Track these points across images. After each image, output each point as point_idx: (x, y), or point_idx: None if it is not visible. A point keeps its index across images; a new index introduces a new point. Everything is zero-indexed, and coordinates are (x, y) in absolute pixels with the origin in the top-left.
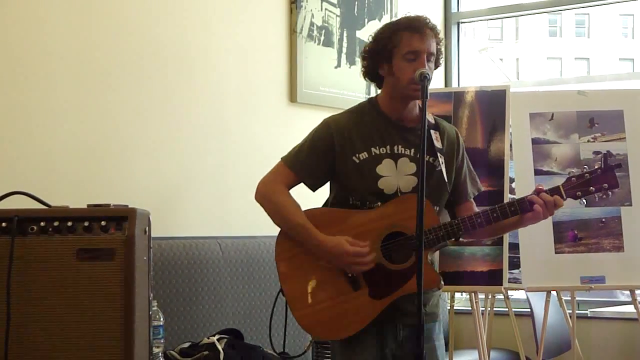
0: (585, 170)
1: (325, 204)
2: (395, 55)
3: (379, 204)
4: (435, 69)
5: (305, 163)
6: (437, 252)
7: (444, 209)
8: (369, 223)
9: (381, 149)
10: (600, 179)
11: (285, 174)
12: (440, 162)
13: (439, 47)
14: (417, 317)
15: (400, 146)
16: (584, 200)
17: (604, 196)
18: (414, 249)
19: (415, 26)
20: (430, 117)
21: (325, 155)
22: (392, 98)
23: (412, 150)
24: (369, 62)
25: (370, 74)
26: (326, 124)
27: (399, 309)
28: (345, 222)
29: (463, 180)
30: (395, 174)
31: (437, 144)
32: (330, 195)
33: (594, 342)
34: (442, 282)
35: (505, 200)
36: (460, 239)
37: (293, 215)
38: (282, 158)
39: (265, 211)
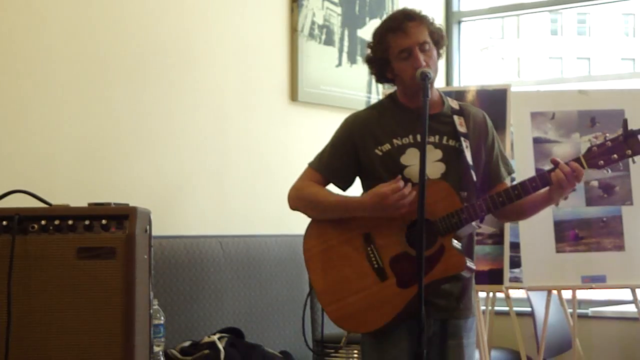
0: (606, 137)
1: None
2: (391, 58)
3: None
4: (440, 53)
5: (330, 163)
6: (473, 235)
7: (481, 192)
8: None
9: (404, 139)
10: (622, 145)
11: (312, 176)
12: (465, 146)
13: (431, 28)
14: (418, 315)
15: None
16: (609, 170)
17: (633, 161)
18: (438, 233)
19: (395, 26)
20: (454, 104)
21: (348, 152)
22: (406, 93)
23: (437, 137)
24: (375, 70)
25: (381, 79)
26: (345, 122)
27: (430, 302)
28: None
29: (495, 162)
30: (418, 162)
31: (461, 128)
32: (362, 191)
33: (595, 342)
34: (472, 265)
35: None
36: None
37: (327, 197)
38: (308, 163)
39: (302, 211)
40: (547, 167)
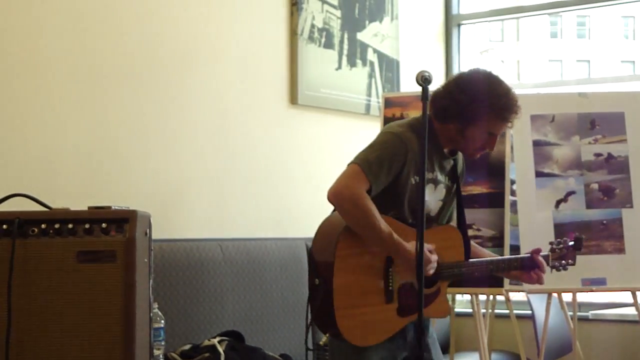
0: (560, 243)
1: None
2: (475, 124)
3: (411, 221)
4: None
5: (381, 177)
6: None
7: None
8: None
9: (429, 174)
10: (570, 255)
11: (363, 181)
12: (455, 188)
13: None
14: (418, 325)
15: (438, 173)
16: (552, 271)
17: (562, 269)
18: (439, 277)
19: (505, 117)
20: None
21: (396, 172)
22: (449, 140)
23: (445, 177)
24: (441, 111)
25: (440, 118)
26: (401, 140)
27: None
28: (398, 236)
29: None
30: (431, 198)
31: (458, 170)
32: None
33: (595, 344)
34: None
35: (505, 202)
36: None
37: (381, 224)
38: (358, 165)
39: (345, 213)
40: (547, 170)
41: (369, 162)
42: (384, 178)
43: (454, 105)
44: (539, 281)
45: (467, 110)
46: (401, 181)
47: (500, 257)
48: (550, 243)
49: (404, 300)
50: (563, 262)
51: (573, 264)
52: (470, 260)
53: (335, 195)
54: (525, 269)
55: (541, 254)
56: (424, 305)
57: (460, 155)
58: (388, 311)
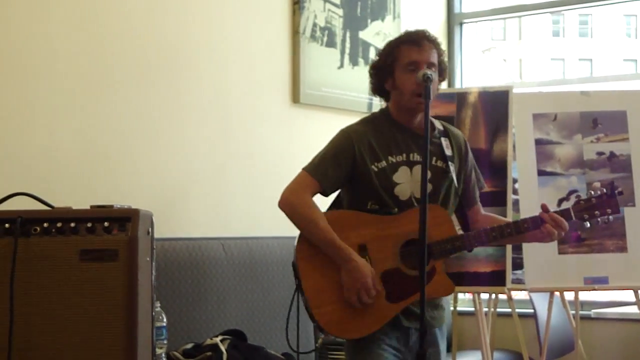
0: (591, 194)
1: (333, 204)
2: (397, 68)
3: (396, 210)
4: (441, 81)
5: (329, 173)
6: None
7: (454, 213)
8: (389, 229)
9: (397, 157)
10: (605, 203)
11: (309, 183)
12: (452, 170)
13: (441, 58)
14: (420, 321)
15: (415, 154)
16: (588, 224)
17: (606, 221)
18: (431, 256)
19: (413, 39)
20: (438, 124)
21: (347, 165)
22: (400, 110)
23: (430, 158)
24: (375, 78)
25: (377, 89)
26: (347, 135)
27: (412, 313)
28: (366, 227)
29: (472, 186)
30: (410, 180)
31: (448, 151)
32: (344, 197)
33: (598, 343)
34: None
35: (508, 201)
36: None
37: (322, 230)
38: (304, 168)
39: (292, 219)
40: (549, 168)
41: (314, 164)
42: (333, 173)
43: (378, 62)
44: (551, 236)
45: (383, 61)
46: (361, 171)
47: (504, 223)
48: (577, 196)
49: (391, 286)
50: (597, 212)
51: (616, 212)
52: (467, 233)
53: (281, 202)
54: (537, 229)
55: (562, 207)
56: (417, 288)
57: (455, 135)
58: (375, 300)
